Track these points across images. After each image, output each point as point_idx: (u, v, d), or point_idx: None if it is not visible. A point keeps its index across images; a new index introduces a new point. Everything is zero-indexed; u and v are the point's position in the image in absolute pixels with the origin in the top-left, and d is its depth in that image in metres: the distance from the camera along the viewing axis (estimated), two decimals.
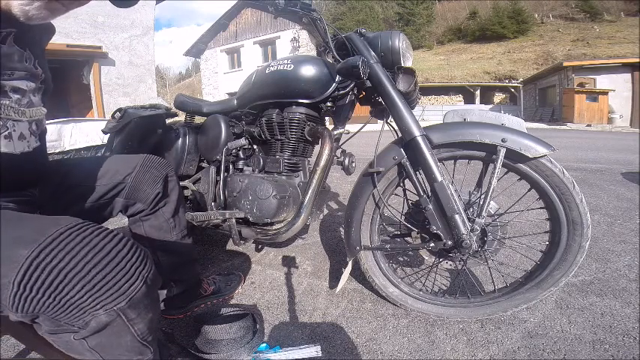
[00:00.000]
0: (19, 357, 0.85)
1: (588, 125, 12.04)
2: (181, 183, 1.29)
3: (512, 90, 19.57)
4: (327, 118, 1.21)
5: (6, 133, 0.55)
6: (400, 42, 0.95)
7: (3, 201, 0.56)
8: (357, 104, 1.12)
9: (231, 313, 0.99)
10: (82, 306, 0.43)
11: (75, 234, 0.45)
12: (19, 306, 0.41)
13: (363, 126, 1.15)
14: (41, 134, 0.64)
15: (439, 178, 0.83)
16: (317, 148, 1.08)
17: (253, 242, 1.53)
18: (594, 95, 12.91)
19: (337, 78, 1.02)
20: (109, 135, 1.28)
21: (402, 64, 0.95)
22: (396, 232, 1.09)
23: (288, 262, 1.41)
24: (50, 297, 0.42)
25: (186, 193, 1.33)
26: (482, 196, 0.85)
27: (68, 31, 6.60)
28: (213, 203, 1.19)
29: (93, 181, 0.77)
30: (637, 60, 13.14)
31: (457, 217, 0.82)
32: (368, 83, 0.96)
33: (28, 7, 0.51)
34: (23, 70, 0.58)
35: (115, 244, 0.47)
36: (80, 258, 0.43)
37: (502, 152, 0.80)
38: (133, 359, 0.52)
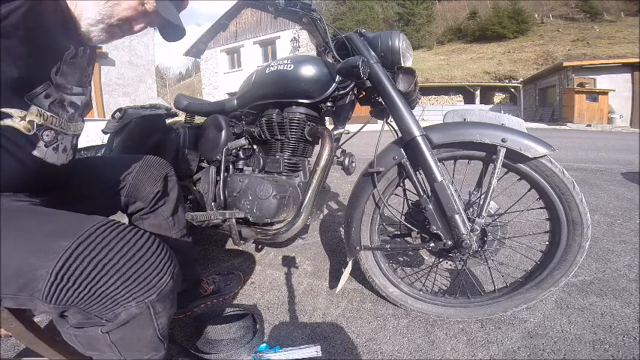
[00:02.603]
0: (19, 357, 0.85)
1: (588, 125, 12.05)
2: (181, 183, 1.29)
3: (512, 90, 19.57)
4: (327, 118, 1.21)
5: (55, 145, 0.58)
6: (400, 42, 0.95)
7: (27, 200, 0.57)
8: (357, 104, 1.12)
9: (231, 313, 0.99)
10: (115, 297, 0.45)
11: (110, 229, 0.47)
12: (54, 296, 0.42)
13: (363, 126, 1.15)
14: (76, 148, 0.68)
15: (439, 178, 0.83)
16: (317, 148, 1.07)
17: (253, 242, 1.53)
18: (594, 95, 12.92)
19: (337, 78, 1.02)
20: (109, 135, 1.28)
21: (402, 64, 0.95)
22: (396, 232, 1.09)
23: (288, 262, 1.41)
24: (86, 288, 0.43)
25: (187, 193, 1.33)
26: (482, 196, 0.85)
27: None
28: (213, 203, 1.19)
29: (93, 180, 0.77)
30: (637, 60, 13.14)
31: (457, 217, 0.82)
32: (368, 83, 0.96)
33: (92, 27, 0.57)
34: (81, 86, 0.62)
35: (145, 240, 0.49)
36: (116, 251, 0.45)
37: (502, 152, 0.80)
38: (147, 356, 0.53)
